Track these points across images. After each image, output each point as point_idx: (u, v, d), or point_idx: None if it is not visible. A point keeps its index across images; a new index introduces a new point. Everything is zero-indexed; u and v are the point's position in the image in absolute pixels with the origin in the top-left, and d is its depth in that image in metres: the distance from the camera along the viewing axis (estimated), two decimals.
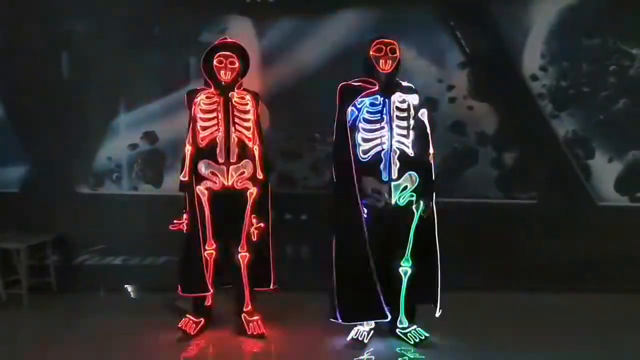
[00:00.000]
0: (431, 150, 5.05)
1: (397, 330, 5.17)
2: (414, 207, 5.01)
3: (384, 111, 4.94)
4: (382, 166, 4.93)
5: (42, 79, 6.48)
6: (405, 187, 4.98)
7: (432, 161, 5.05)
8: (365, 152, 4.95)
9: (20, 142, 6.56)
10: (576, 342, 5.18)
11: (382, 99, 4.95)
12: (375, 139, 4.93)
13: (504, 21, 6.45)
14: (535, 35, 6.44)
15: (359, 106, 4.97)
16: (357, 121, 4.96)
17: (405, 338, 5.14)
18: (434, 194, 5.04)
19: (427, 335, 5.12)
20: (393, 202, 4.97)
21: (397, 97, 4.98)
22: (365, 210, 4.94)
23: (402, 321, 5.15)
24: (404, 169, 4.95)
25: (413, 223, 5.02)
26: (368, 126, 4.94)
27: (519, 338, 5.24)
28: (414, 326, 5.16)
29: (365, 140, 4.95)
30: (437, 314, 5.06)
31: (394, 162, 4.92)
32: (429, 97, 6.30)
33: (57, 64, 6.53)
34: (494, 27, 6.48)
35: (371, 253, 4.89)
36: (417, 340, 5.10)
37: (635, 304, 6.02)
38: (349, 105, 4.96)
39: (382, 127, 4.93)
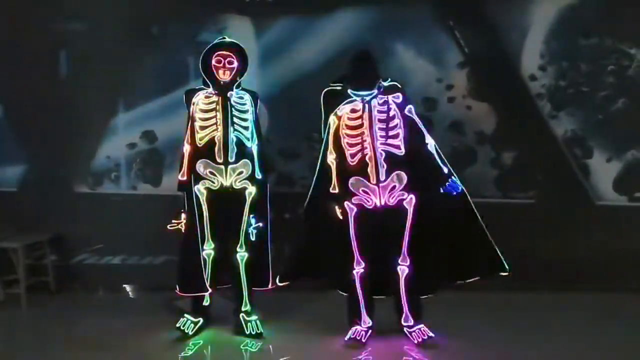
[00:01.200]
0: (428, 141, 5.05)
1: (404, 329, 5.17)
2: (405, 203, 5.01)
3: (364, 117, 4.97)
4: (369, 169, 4.94)
5: (41, 78, 6.49)
6: (394, 187, 4.98)
7: (432, 150, 5.05)
8: (352, 155, 4.99)
9: (18, 141, 6.57)
10: (575, 341, 5.17)
11: (362, 104, 4.98)
12: (358, 144, 4.97)
13: (502, 21, 6.46)
14: (534, 35, 6.45)
15: (339, 114, 5.02)
16: (341, 127, 5.02)
17: (410, 337, 5.13)
18: (450, 178, 5.03)
19: (431, 335, 5.11)
20: (382, 203, 4.98)
21: (377, 100, 5.01)
22: (354, 209, 4.98)
23: (407, 319, 5.14)
24: (392, 170, 4.96)
25: (408, 220, 5.02)
26: (350, 132, 5.00)
27: (518, 337, 5.23)
28: (420, 325, 5.15)
29: (350, 145, 4.99)
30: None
31: (381, 165, 4.94)
32: (427, 97, 6.33)
33: (56, 63, 6.55)
34: (493, 27, 6.49)
35: (363, 252, 5.03)
36: (421, 339, 5.09)
37: (634, 303, 6.01)
38: (331, 112, 5.05)
39: (363, 132, 4.96)
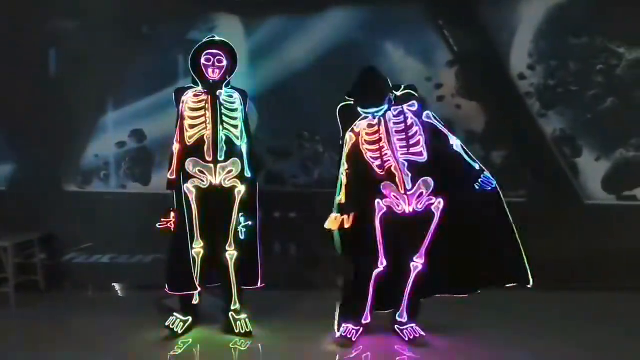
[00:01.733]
0: (453, 141, 5.07)
1: (395, 326, 5.20)
2: (433, 208, 5.00)
3: (381, 130, 4.97)
4: (397, 180, 4.94)
5: (30, 77, 6.47)
6: (421, 194, 4.99)
7: (459, 149, 5.07)
8: (379, 167, 4.99)
9: (7, 140, 6.55)
10: (568, 340, 5.19)
11: (377, 119, 4.98)
12: (380, 157, 4.98)
13: (492, 20, 6.48)
14: (523, 34, 6.47)
15: (357, 130, 5.04)
16: (361, 143, 5.03)
17: (401, 334, 5.16)
18: (482, 174, 5.03)
19: (422, 334, 5.13)
20: (411, 210, 4.98)
21: (391, 113, 5.00)
22: (384, 209, 4.98)
23: (402, 316, 5.17)
24: (417, 177, 4.96)
25: (434, 222, 5.01)
26: (370, 147, 5.00)
27: (510, 336, 5.26)
28: (412, 324, 5.18)
29: (374, 159, 5.00)
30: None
31: (405, 174, 4.94)
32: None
33: (45, 62, 6.53)
34: (482, 26, 6.51)
35: (387, 252, 5.01)
36: (412, 337, 5.12)
37: (622, 301, 6.05)
38: (347, 127, 5.07)
39: (382, 146, 4.96)
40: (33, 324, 5.69)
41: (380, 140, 4.98)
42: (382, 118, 4.98)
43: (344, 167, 5.08)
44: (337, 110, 5.14)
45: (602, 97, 6.54)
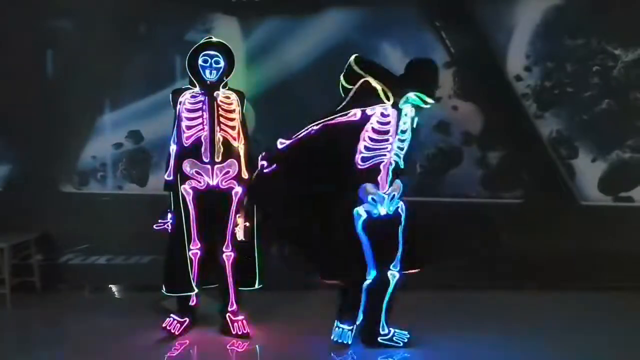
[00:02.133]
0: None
1: (380, 339, 5.08)
2: (399, 209, 4.98)
3: (393, 123, 4.80)
4: (379, 177, 4.86)
5: (27, 78, 6.45)
6: (394, 196, 4.96)
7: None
8: (364, 159, 4.83)
9: (4, 141, 6.54)
10: (567, 340, 5.20)
11: (394, 111, 4.80)
12: (378, 149, 4.81)
13: (488, 21, 6.49)
14: (519, 35, 6.48)
15: (369, 113, 4.80)
16: (365, 129, 4.80)
17: (392, 343, 5.07)
18: None
19: (409, 334, 5.11)
20: (385, 212, 4.91)
21: (404, 111, 4.83)
22: (365, 215, 4.88)
23: (384, 327, 5.08)
24: (393, 179, 4.91)
25: (400, 226, 4.98)
26: (375, 136, 4.79)
27: (509, 336, 5.26)
28: (392, 330, 5.11)
29: (368, 149, 4.82)
30: None
31: (387, 174, 4.86)
32: None
33: (42, 63, 6.52)
34: (479, 28, 6.51)
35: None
36: (406, 340, 5.08)
37: (617, 301, 6.06)
38: (358, 103, 4.84)
39: (387, 139, 4.80)
40: (29, 324, 5.69)
41: (388, 132, 4.79)
42: (399, 114, 4.80)
43: (313, 126, 4.88)
44: (360, 83, 4.84)
45: (598, 99, 6.55)
